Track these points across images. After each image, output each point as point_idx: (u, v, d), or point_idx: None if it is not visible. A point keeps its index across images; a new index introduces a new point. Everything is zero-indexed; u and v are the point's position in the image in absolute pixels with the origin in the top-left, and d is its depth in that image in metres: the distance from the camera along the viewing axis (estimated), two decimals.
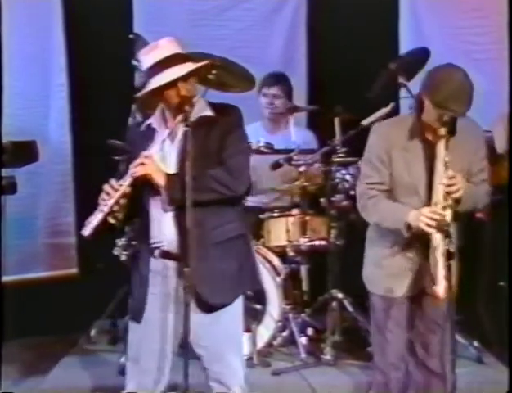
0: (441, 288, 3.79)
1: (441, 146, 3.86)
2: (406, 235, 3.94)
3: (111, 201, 3.69)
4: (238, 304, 3.85)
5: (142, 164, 3.72)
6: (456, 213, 3.93)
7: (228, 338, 3.81)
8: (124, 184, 3.71)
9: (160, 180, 3.71)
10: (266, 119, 5.96)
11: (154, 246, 3.81)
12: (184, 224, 3.70)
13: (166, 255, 3.79)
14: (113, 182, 3.74)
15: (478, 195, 4.05)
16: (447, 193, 3.83)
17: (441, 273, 3.79)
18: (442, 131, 3.85)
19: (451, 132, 3.87)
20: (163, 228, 3.78)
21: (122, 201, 3.72)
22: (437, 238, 3.81)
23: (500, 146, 5.23)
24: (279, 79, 5.93)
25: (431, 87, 3.85)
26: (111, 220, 3.75)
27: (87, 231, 3.69)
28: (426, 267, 3.92)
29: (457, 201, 3.86)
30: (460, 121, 3.94)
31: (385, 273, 4.07)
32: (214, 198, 3.70)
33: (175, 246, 3.77)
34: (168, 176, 3.72)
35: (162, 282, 3.80)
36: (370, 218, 4.08)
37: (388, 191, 4.04)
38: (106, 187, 3.73)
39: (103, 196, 3.72)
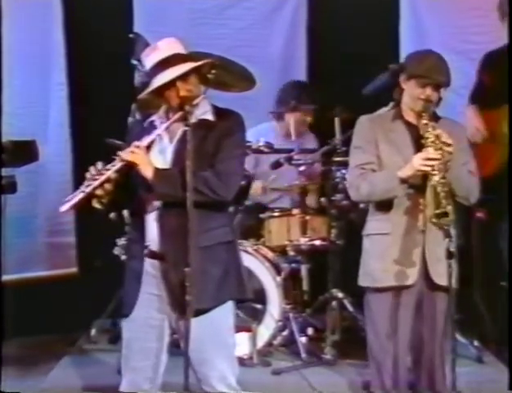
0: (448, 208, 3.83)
1: (423, 120, 4.03)
2: (400, 192, 4.01)
3: (94, 184, 3.65)
4: (225, 310, 3.82)
5: (132, 152, 3.70)
6: (454, 201, 4.00)
7: (214, 342, 3.78)
8: (111, 169, 3.68)
9: (148, 172, 3.68)
10: (285, 127, 5.98)
11: (145, 244, 3.80)
12: (168, 224, 3.72)
13: (152, 255, 3.79)
14: (99, 165, 3.71)
15: (469, 182, 4.10)
16: (438, 141, 3.93)
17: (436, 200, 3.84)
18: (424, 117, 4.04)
19: (433, 117, 4.08)
20: (150, 227, 3.78)
21: (107, 186, 3.68)
22: (437, 175, 3.87)
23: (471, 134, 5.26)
24: (313, 95, 5.94)
25: (412, 64, 4.15)
26: (96, 204, 3.72)
27: (64, 208, 3.66)
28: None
29: (446, 163, 3.92)
30: (445, 121, 4.17)
31: (392, 261, 4.07)
32: (199, 199, 3.66)
33: (159, 247, 3.77)
34: (157, 170, 3.71)
35: (152, 281, 3.79)
36: (361, 192, 4.13)
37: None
38: (92, 169, 3.71)
39: (87, 176, 3.69)
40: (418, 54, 4.24)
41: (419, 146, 4.04)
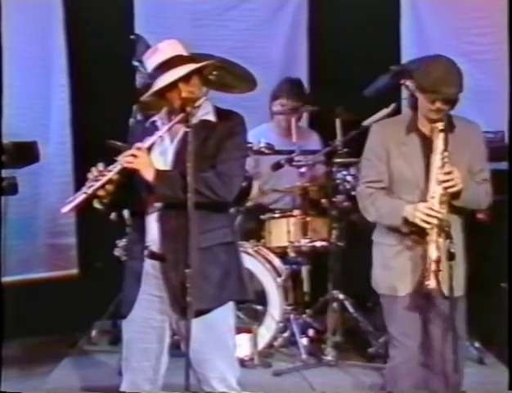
0: (432, 283, 3.84)
1: (439, 141, 3.92)
2: (405, 230, 3.98)
3: (96, 185, 3.65)
4: (226, 311, 3.81)
5: (133, 155, 3.70)
6: (460, 210, 4.00)
7: (214, 343, 3.78)
8: (112, 171, 3.68)
9: (149, 175, 3.68)
10: (278, 125, 5.99)
11: (145, 245, 3.80)
12: (169, 225, 3.72)
13: (153, 255, 3.78)
14: (100, 166, 3.71)
15: (481, 194, 4.08)
16: (444, 188, 3.88)
17: (433, 268, 3.84)
18: (440, 125, 3.92)
19: (449, 126, 3.96)
20: (150, 228, 3.78)
21: (108, 187, 3.69)
22: (433, 234, 3.86)
23: None
24: (298, 91, 5.95)
25: (420, 75, 3.97)
26: (97, 205, 3.73)
27: (65, 209, 3.66)
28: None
29: (455, 196, 3.90)
30: (460, 122, 4.05)
31: (392, 272, 4.06)
32: (200, 200, 3.65)
33: (159, 248, 3.77)
34: (158, 172, 3.70)
35: (153, 282, 3.79)
36: (371, 216, 4.10)
37: (386, 189, 4.07)
38: (94, 170, 3.70)
39: (89, 177, 3.69)
40: (426, 63, 4.05)
41: (430, 160, 3.95)
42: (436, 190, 3.89)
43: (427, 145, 3.99)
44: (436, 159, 3.91)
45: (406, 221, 3.93)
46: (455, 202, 3.94)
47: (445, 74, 3.89)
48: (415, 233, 3.98)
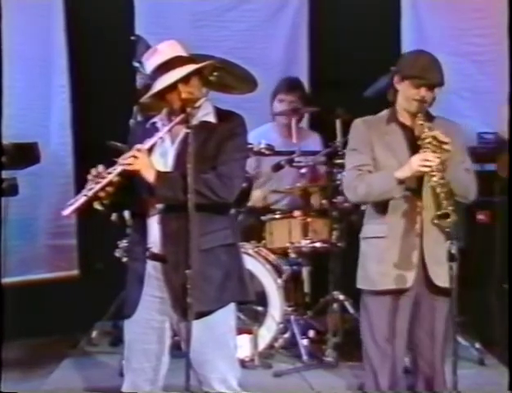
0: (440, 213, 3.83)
1: (420, 118, 4.04)
2: (398, 194, 4.00)
3: (96, 188, 3.65)
4: (227, 312, 3.81)
5: (134, 157, 3.70)
6: (453, 196, 3.98)
7: (215, 344, 3.78)
8: (112, 173, 3.68)
9: (150, 176, 3.68)
10: (279, 125, 5.99)
11: (147, 246, 3.80)
12: (170, 227, 3.72)
13: (154, 257, 3.78)
14: (100, 168, 3.71)
15: (467, 180, 4.09)
16: (435, 142, 3.93)
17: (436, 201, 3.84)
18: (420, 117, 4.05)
19: (427, 117, 4.08)
20: (152, 229, 3.78)
21: (108, 189, 3.69)
22: (433, 179, 3.87)
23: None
24: (296, 86, 5.96)
25: (406, 65, 4.14)
26: (98, 206, 3.73)
27: (66, 211, 3.66)
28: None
29: (443, 164, 3.90)
30: (442, 120, 4.17)
31: (389, 264, 4.06)
32: (200, 202, 3.66)
33: (160, 249, 3.77)
34: (159, 173, 3.71)
35: (154, 283, 3.79)
36: (358, 192, 4.11)
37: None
38: (94, 172, 3.71)
39: (89, 179, 3.69)
40: (411, 54, 4.26)
41: (414, 148, 4.03)
42: (427, 145, 3.95)
43: (409, 134, 4.11)
44: (424, 127, 4.01)
45: (399, 182, 3.97)
46: (444, 174, 3.94)
47: (430, 63, 4.10)
48: (409, 195, 4.01)
